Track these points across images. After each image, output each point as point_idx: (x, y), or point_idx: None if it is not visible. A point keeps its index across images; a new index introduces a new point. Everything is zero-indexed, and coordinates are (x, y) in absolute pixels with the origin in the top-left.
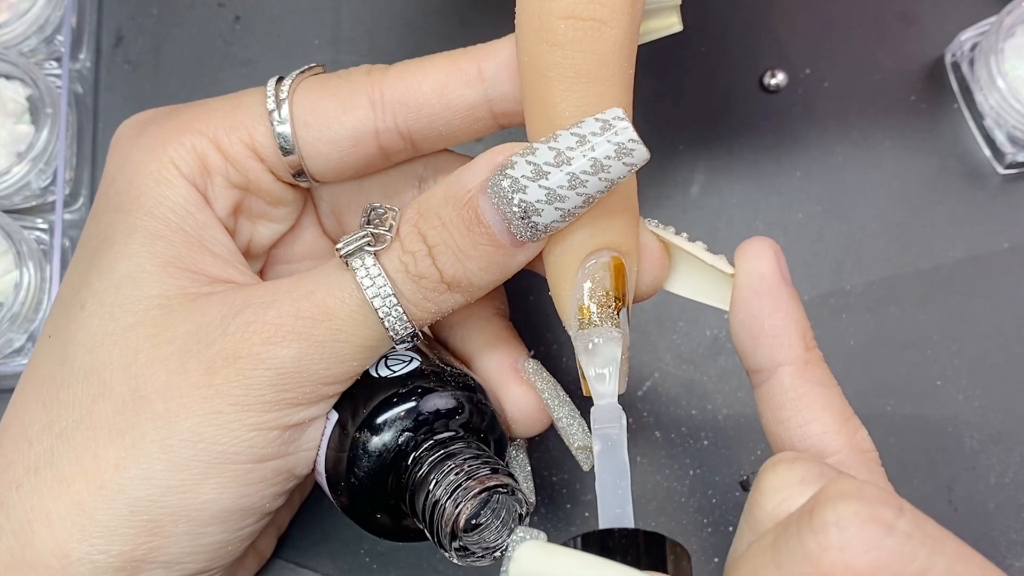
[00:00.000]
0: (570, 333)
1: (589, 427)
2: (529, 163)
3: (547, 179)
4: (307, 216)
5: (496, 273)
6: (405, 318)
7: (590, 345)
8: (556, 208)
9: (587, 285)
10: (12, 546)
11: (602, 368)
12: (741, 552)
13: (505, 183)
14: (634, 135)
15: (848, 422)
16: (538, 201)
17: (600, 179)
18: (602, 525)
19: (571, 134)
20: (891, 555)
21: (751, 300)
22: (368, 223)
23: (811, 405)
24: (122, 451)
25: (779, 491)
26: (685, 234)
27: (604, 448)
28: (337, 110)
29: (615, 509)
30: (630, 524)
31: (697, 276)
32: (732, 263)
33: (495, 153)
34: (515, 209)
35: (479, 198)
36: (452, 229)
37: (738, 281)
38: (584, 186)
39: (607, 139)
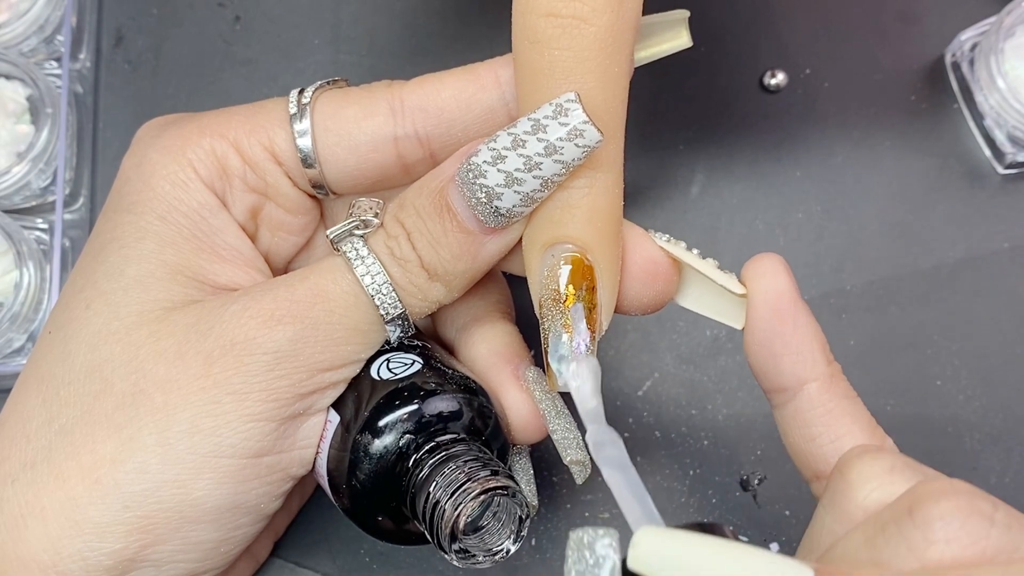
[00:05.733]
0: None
1: (585, 444)
2: (491, 150)
3: (504, 163)
4: (321, 232)
5: (468, 261)
6: (395, 297)
7: (562, 381)
8: (515, 191)
9: (543, 277)
10: (3, 542)
11: (586, 397)
12: (827, 543)
13: (469, 170)
14: (584, 117)
15: (876, 432)
16: (497, 185)
17: (554, 161)
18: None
19: (528, 119)
20: (996, 545)
21: (770, 319)
22: (355, 214)
23: (841, 419)
24: (119, 445)
25: (869, 480)
26: (696, 250)
27: (613, 471)
28: (357, 116)
29: (648, 523)
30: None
31: (708, 292)
32: (742, 281)
33: (468, 146)
34: (479, 195)
35: (449, 187)
36: (425, 216)
37: (754, 300)
38: (539, 168)
39: (559, 122)
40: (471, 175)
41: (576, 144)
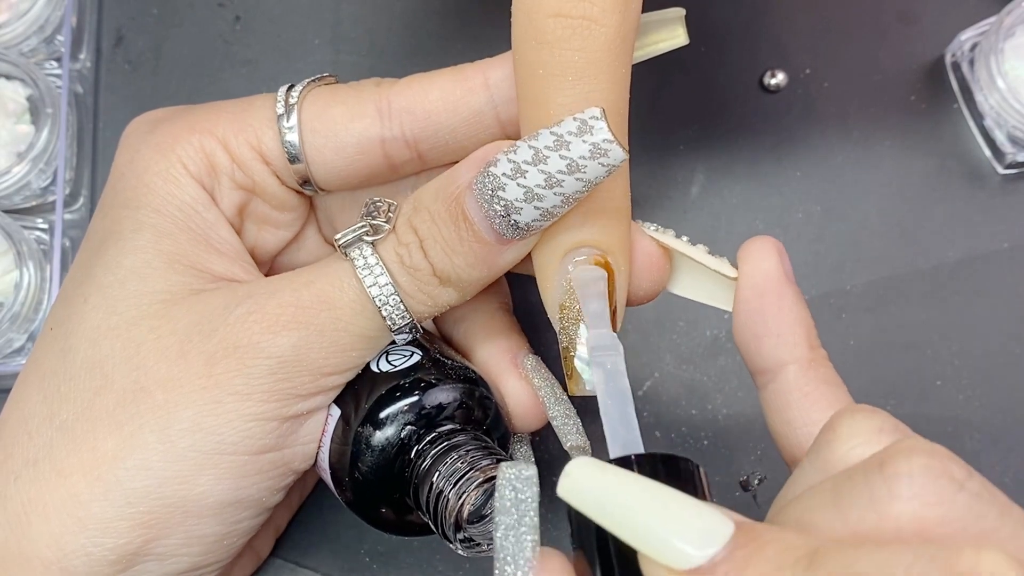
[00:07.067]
0: (555, 327)
1: (584, 426)
2: (510, 161)
3: (525, 177)
4: (310, 225)
5: (483, 270)
6: (403, 308)
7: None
8: (535, 207)
9: (566, 282)
10: (7, 538)
11: (595, 301)
12: (802, 491)
13: (487, 181)
14: (609, 135)
15: None
16: (516, 200)
17: (576, 179)
18: (613, 454)
19: (550, 133)
20: (960, 511)
21: (754, 299)
22: (368, 215)
23: (817, 404)
24: (120, 442)
25: (855, 436)
26: (686, 238)
27: (605, 376)
28: (344, 117)
29: (624, 436)
30: (640, 449)
31: (700, 278)
32: (735, 265)
33: (486, 150)
34: (496, 207)
35: (466, 195)
36: (440, 224)
37: (741, 281)
38: (561, 186)
39: (583, 140)
40: (489, 187)
41: (600, 163)
